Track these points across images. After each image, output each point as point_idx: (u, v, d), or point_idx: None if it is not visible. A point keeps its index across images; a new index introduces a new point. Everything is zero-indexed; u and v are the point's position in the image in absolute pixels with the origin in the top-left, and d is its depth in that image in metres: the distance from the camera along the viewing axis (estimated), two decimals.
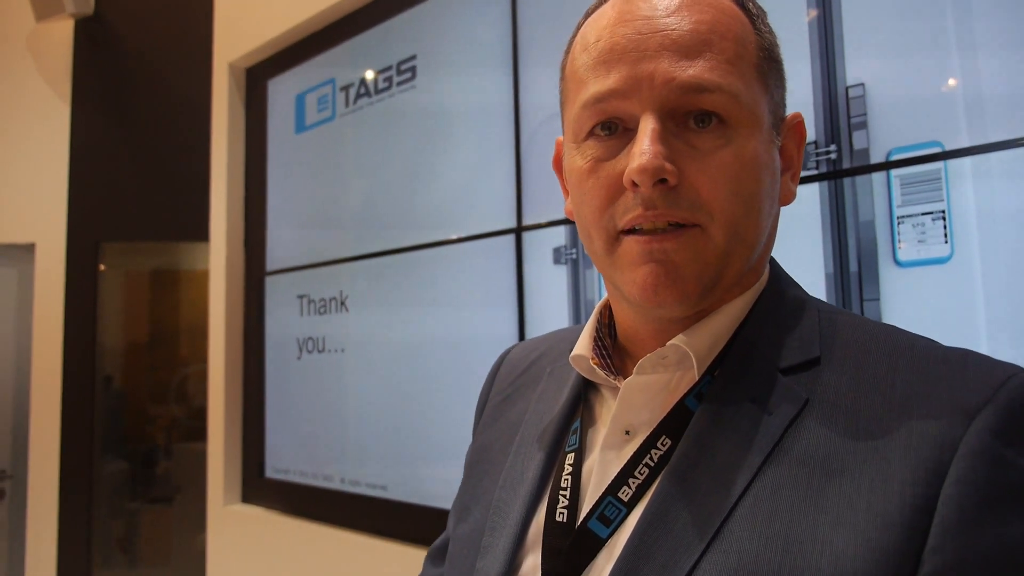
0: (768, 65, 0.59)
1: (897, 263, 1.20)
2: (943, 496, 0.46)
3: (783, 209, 0.64)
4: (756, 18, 0.59)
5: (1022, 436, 0.47)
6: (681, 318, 0.59)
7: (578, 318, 1.65)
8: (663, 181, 0.54)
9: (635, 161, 0.53)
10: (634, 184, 0.54)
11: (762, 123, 0.57)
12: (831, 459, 0.50)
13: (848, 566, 0.46)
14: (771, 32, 0.61)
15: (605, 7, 0.60)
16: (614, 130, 0.57)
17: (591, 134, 0.58)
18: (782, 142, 0.61)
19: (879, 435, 0.50)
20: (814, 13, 1.30)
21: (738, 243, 0.56)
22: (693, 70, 0.54)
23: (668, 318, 0.60)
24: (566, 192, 0.66)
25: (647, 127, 0.54)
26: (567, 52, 0.64)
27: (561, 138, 0.66)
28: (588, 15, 0.63)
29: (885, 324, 0.59)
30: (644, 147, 0.53)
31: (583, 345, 0.65)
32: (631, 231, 0.56)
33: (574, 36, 0.64)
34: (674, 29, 0.55)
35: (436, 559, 0.80)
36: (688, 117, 0.55)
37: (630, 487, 0.56)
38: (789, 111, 0.64)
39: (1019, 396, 0.49)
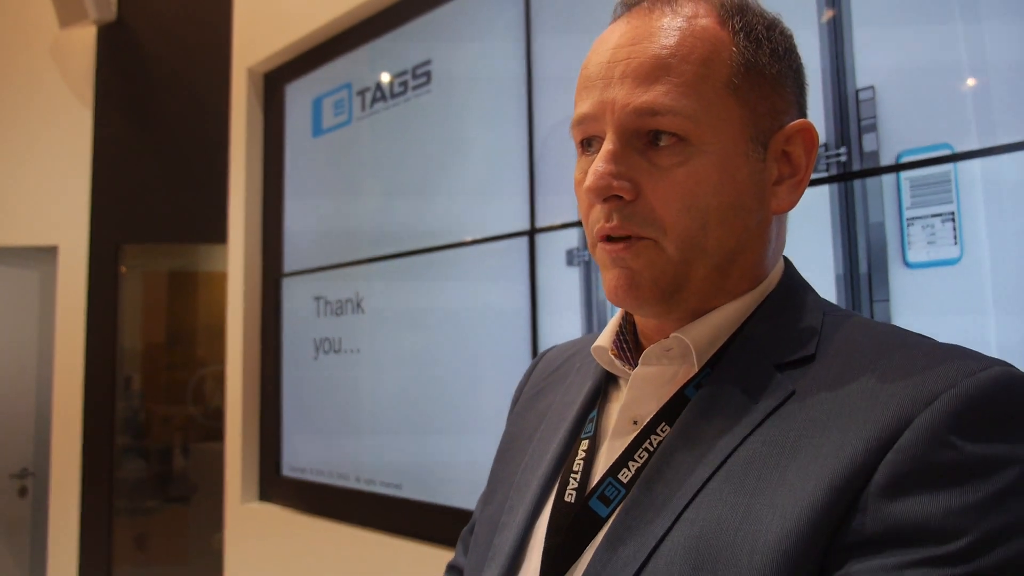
0: (748, 79, 0.60)
1: (907, 265, 1.21)
2: (883, 463, 0.49)
3: (792, 213, 0.66)
4: (738, 34, 0.61)
5: (975, 425, 0.49)
6: (680, 315, 0.63)
7: (590, 319, 1.66)
8: (619, 197, 0.59)
9: (587, 180, 0.60)
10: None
11: (732, 137, 0.60)
12: (802, 438, 0.53)
13: (792, 525, 0.49)
14: (758, 45, 0.61)
15: (603, 34, 0.66)
16: (594, 146, 0.63)
17: (582, 149, 0.65)
18: (787, 148, 0.63)
19: (846, 415, 0.52)
20: (829, 14, 1.32)
21: (697, 254, 0.60)
22: (648, 96, 0.58)
23: (661, 316, 0.64)
24: None
25: (604, 148, 0.60)
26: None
27: None
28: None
29: (890, 325, 0.61)
30: (595, 166, 0.59)
31: (605, 337, 0.70)
32: (605, 239, 0.62)
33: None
34: (636, 57, 0.60)
35: (467, 541, 0.85)
36: (650, 135, 0.60)
37: (629, 470, 0.60)
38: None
39: (984, 388, 0.50)
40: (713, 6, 0.62)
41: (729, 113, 0.60)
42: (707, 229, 0.60)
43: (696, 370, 0.62)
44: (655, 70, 0.59)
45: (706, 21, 0.61)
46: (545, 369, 0.85)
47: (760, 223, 0.63)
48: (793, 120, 0.63)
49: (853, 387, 0.54)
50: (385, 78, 2.26)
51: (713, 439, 0.56)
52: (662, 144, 0.59)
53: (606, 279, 0.63)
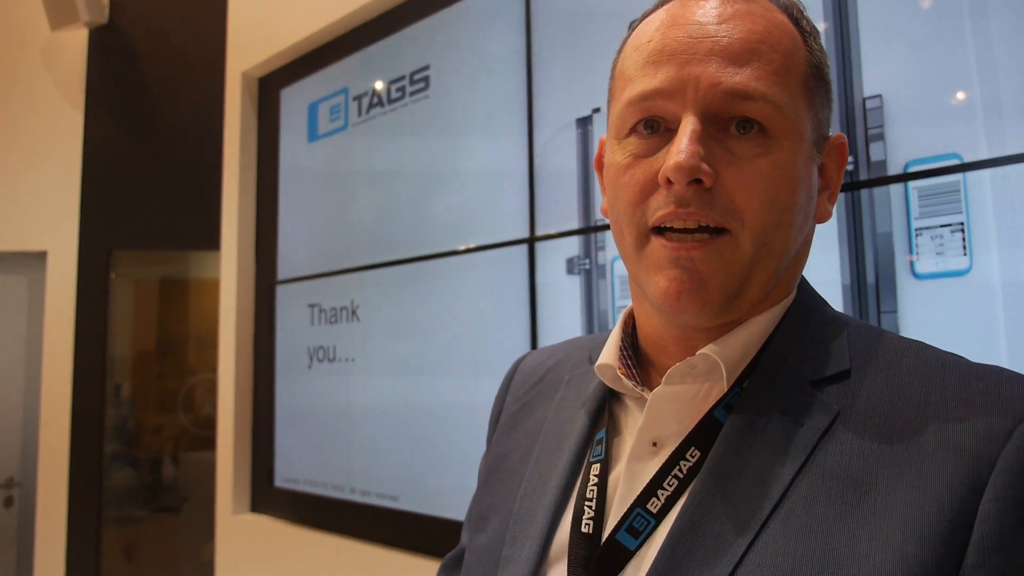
0: (816, 82, 0.59)
1: (915, 275, 1.19)
2: (981, 513, 0.46)
3: None
4: (808, 35, 0.60)
5: None
6: (707, 327, 0.59)
7: (591, 329, 1.64)
8: (698, 182, 0.54)
9: (672, 159, 0.54)
10: (669, 181, 0.55)
11: (804, 137, 0.57)
12: (865, 473, 0.50)
13: None
14: (822, 51, 0.61)
15: (659, 11, 0.61)
16: (656, 128, 0.57)
17: (633, 131, 0.59)
18: (823, 161, 0.61)
19: (913, 449, 0.49)
20: (826, 26, 1.30)
21: (766, 253, 0.56)
22: (740, 77, 0.54)
23: (692, 325, 0.59)
24: (604, 190, 0.66)
25: (687, 127, 0.54)
26: (618, 52, 0.65)
27: (604, 137, 0.66)
28: (643, 18, 0.64)
29: (915, 340, 0.58)
30: (682, 145, 0.53)
31: (609, 354, 0.65)
32: (661, 231, 0.56)
33: (627, 38, 0.65)
34: (724, 36, 0.56)
35: (451, 570, 0.79)
36: (730, 123, 0.55)
37: (659, 499, 0.56)
38: None
39: None
40: (779, 4, 0.60)
41: (804, 112, 0.58)
42: (780, 227, 0.56)
43: (725, 389, 0.58)
44: (746, 52, 0.55)
45: (781, 17, 0.59)
46: (525, 380, 0.79)
47: (809, 231, 0.62)
48: (830, 133, 0.63)
49: (908, 413, 0.51)
50: (382, 83, 2.24)
51: (762, 469, 0.53)
52: (746, 133, 0.55)
53: (661, 280, 0.56)
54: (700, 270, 0.55)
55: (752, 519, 0.51)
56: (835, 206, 1.26)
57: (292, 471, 2.46)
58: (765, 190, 0.55)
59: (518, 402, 0.77)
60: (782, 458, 0.52)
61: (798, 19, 0.60)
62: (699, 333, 0.60)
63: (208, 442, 2.99)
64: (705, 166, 0.53)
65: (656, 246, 0.57)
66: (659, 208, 0.56)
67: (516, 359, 0.84)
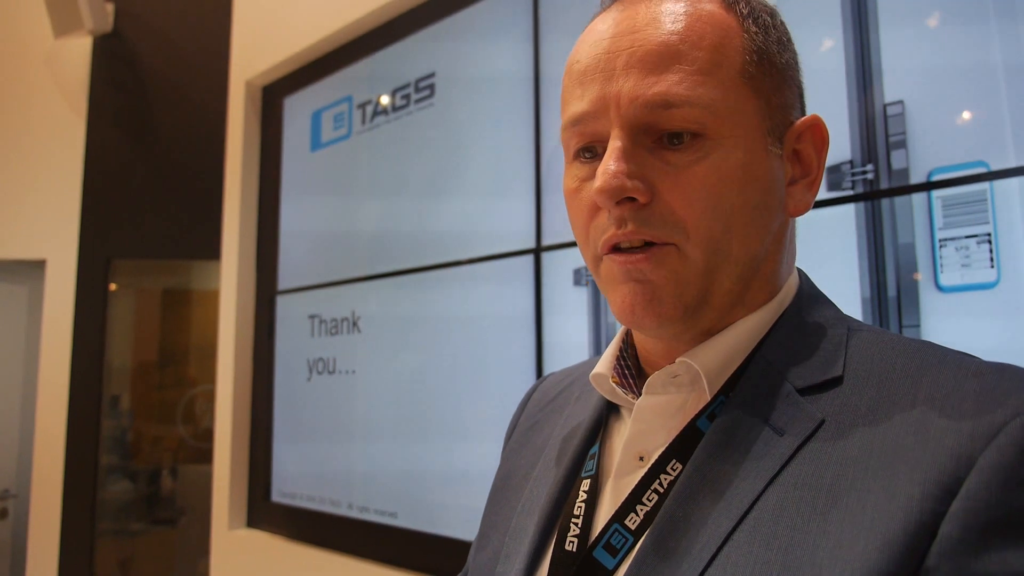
0: (761, 68, 0.56)
1: (939, 288, 1.14)
2: (949, 512, 0.42)
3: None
4: (747, 19, 0.56)
5: None
6: (693, 335, 0.57)
7: (598, 341, 1.59)
8: (632, 200, 0.53)
9: (596, 181, 0.53)
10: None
11: (750, 131, 0.55)
12: (839, 480, 0.46)
13: None
14: (768, 32, 0.57)
15: (591, 25, 0.60)
16: (595, 153, 0.57)
17: (576, 156, 0.58)
18: (797, 147, 0.59)
19: (892, 451, 0.46)
20: (828, 44, 1.26)
21: (722, 260, 0.54)
22: (659, 86, 0.52)
23: (664, 337, 0.58)
24: None
25: (613, 146, 0.53)
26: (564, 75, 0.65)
27: None
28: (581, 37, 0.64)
29: (922, 340, 0.55)
30: (605, 167, 0.52)
31: (604, 364, 0.63)
32: (613, 249, 0.56)
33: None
34: (641, 45, 0.54)
35: None
36: (663, 134, 0.54)
37: (638, 514, 0.54)
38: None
39: None
40: None
41: (746, 104, 0.54)
42: (732, 232, 0.54)
43: (708, 398, 0.56)
44: (664, 58, 0.53)
45: (711, 6, 0.56)
46: (541, 399, 0.78)
47: (780, 226, 0.58)
48: (800, 117, 0.59)
49: (894, 417, 0.48)
50: (387, 91, 2.21)
51: (735, 481, 0.50)
52: (679, 143, 0.53)
53: (617, 296, 0.55)
54: (652, 280, 0.54)
55: (717, 532, 0.48)
56: (854, 216, 1.22)
57: (289, 486, 2.41)
58: (706, 197, 0.53)
59: (530, 420, 0.77)
60: (756, 469, 0.50)
61: (732, 4, 0.57)
62: (681, 345, 0.58)
63: (208, 455, 2.94)
64: (632, 183, 0.52)
65: (608, 263, 0.56)
66: (603, 231, 0.55)
67: (539, 379, 0.85)
